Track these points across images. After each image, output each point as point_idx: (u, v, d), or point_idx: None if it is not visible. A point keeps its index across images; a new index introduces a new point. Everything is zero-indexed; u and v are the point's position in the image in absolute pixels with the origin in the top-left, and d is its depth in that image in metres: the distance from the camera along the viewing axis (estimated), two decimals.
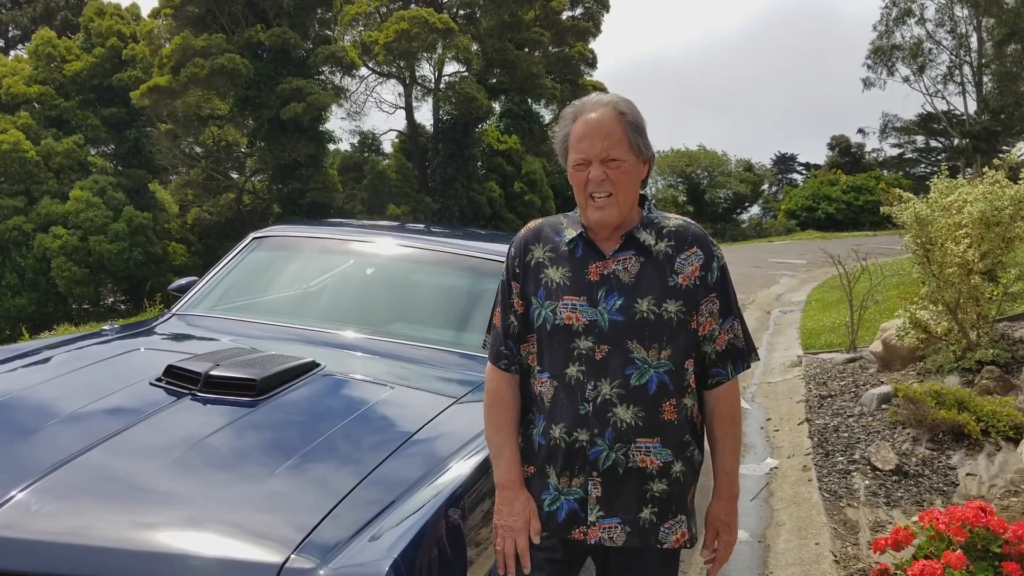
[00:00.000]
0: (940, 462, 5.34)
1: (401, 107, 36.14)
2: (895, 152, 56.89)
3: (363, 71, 33.87)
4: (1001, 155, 6.95)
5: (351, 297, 3.79)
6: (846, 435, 6.04)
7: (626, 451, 2.05)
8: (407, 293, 3.79)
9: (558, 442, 2.09)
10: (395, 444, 2.49)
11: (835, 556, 4.15)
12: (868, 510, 4.72)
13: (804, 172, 60.28)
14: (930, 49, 48.78)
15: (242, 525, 2.08)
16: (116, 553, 1.97)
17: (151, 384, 2.75)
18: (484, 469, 2.40)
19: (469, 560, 2.25)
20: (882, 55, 50.52)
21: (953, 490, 4.96)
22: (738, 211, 48.89)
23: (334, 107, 32.17)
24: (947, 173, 7.55)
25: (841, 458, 5.58)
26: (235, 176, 34.06)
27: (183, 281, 4.12)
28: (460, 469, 2.40)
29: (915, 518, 4.26)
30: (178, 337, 3.47)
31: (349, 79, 33.58)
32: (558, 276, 2.12)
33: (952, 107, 49.99)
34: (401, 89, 35.56)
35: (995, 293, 6.72)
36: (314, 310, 3.74)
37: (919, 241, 6.92)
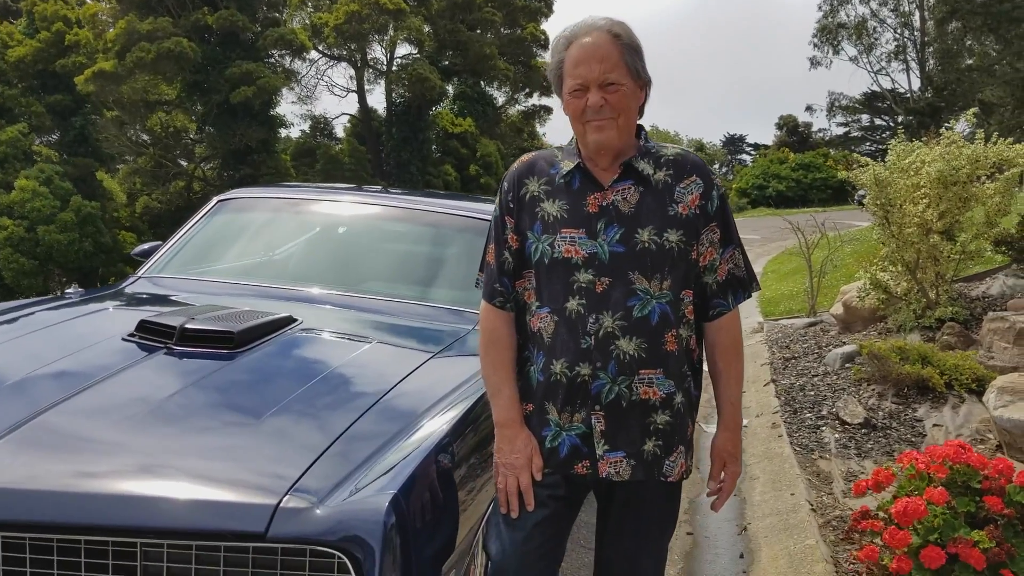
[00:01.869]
0: (907, 415, 5.43)
1: (353, 90, 35.80)
2: (841, 131, 57.91)
3: (313, 54, 33.52)
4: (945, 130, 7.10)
5: (322, 256, 3.70)
6: (812, 393, 6.12)
7: (629, 383, 2.01)
8: (378, 250, 3.72)
9: (559, 377, 2.04)
10: (380, 392, 2.43)
11: (811, 504, 4.19)
12: (840, 461, 4.78)
13: (753, 152, 60.94)
14: (874, 28, 49.60)
15: (233, 469, 2.02)
16: (108, 499, 1.90)
17: (123, 340, 2.66)
18: (471, 412, 2.36)
19: (460, 501, 2.21)
20: (828, 34, 51.19)
21: (921, 441, 5.04)
22: None
23: (284, 91, 31.78)
24: (903, 137, 7.64)
25: (809, 415, 5.65)
26: (184, 163, 33.44)
27: (146, 246, 4.01)
28: (448, 413, 2.35)
29: (894, 461, 4.32)
30: (147, 297, 3.37)
31: (299, 62, 33.22)
32: (555, 209, 2.07)
33: (897, 85, 50.95)
34: (352, 72, 35.23)
35: (953, 252, 6.83)
36: (285, 269, 3.65)
37: (879, 203, 7.01)
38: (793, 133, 58.33)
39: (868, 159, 7.53)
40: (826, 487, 4.47)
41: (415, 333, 3.13)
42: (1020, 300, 6.60)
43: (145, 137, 32.59)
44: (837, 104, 56.14)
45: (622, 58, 2.00)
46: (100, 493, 1.91)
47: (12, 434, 2.04)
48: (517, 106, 40.62)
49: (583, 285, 2.02)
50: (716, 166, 55.20)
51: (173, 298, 3.31)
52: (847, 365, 6.50)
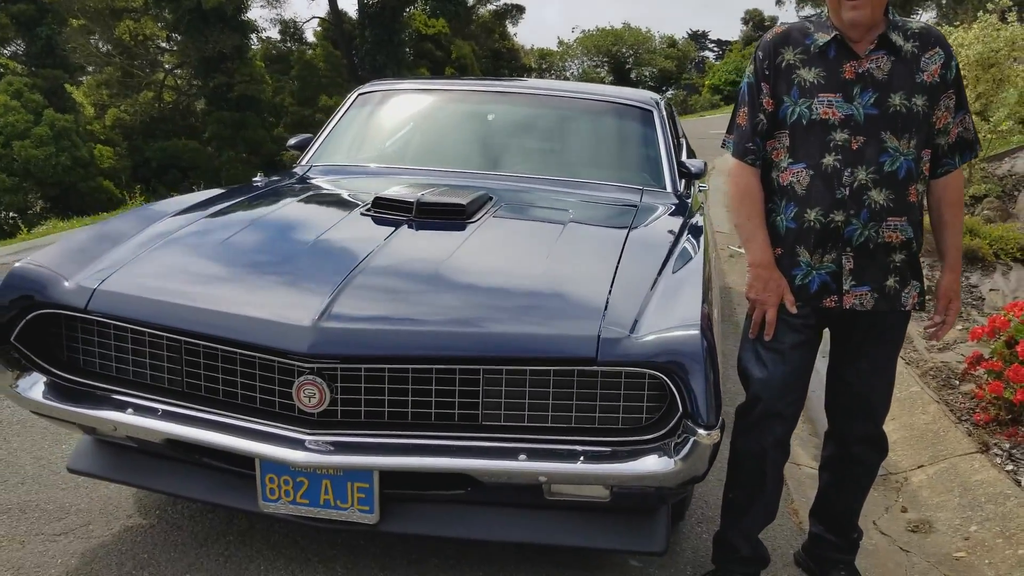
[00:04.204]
0: (961, 282, 5.86)
1: None
2: None
3: None
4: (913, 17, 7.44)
5: (476, 140, 3.95)
6: None
7: (878, 228, 2.34)
8: (527, 135, 3.98)
9: (812, 224, 2.36)
10: (616, 246, 2.74)
11: (904, 359, 4.62)
12: (913, 324, 5.21)
13: (716, 49, 60.59)
14: None
15: (547, 310, 2.33)
16: (457, 335, 2.21)
17: (362, 214, 2.92)
18: (704, 262, 2.70)
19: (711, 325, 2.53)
20: None
21: (982, 303, 5.49)
22: (664, 88, 49.24)
23: None
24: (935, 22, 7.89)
25: None
26: (151, 73, 32.60)
27: (298, 138, 4.21)
28: (687, 254, 2.71)
29: (962, 320, 4.75)
30: (338, 181, 3.61)
31: None
32: (811, 76, 2.35)
33: None
34: None
35: (988, 132, 7.19)
36: (443, 154, 3.87)
37: None
38: (759, 28, 57.96)
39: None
40: (909, 345, 4.90)
41: (599, 203, 3.41)
42: None
43: (107, 48, 31.64)
44: None
45: None
46: (449, 331, 2.23)
47: (345, 289, 2.32)
48: (488, 5, 39.98)
49: (839, 143, 2.32)
50: (689, 62, 54.90)
51: (359, 181, 3.56)
52: None
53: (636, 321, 2.27)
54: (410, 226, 2.83)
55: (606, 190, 3.55)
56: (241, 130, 30.13)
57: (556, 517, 2.37)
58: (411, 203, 2.89)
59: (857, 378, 2.53)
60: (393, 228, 2.78)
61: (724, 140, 2.54)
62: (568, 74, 48.35)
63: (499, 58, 40.90)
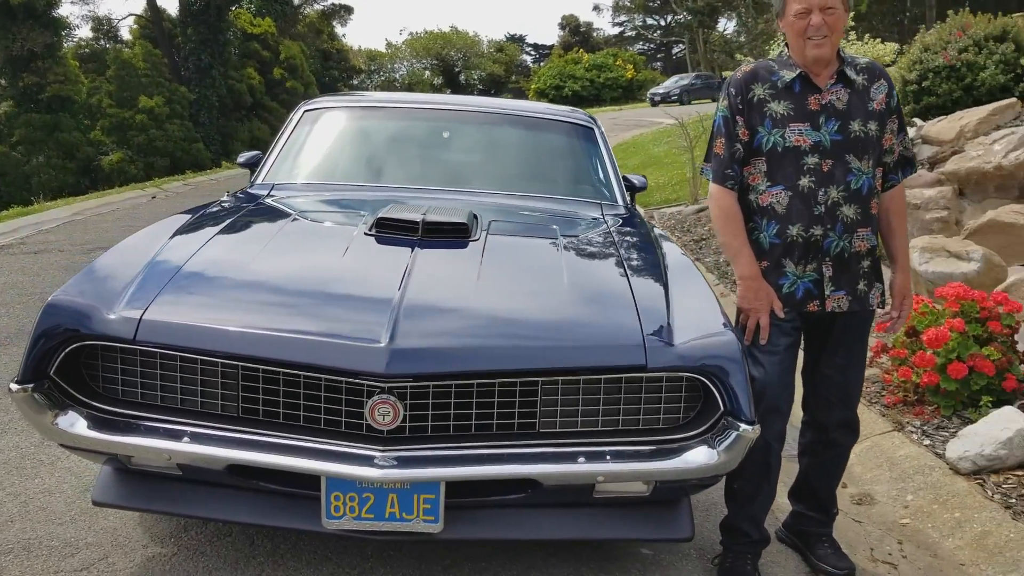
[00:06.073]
0: None
1: None
2: (616, 31, 60.62)
3: None
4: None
5: (434, 158, 4.04)
6: None
7: (850, 239, 2.68)
8: (487, 152, 4.11)
9: (795, 238, 2.67)
10: (617, 256, 2.97)
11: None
12: None
13: (534, 53, 62.23)
14: None
15: (587, 321, 2.50)
16: (519, 350, 2.35)
17: (367, 234, 2.98)
18: (689, 259, 2.98)
19: None
20: None
21: None
22: (492, 92, 50.03)
23: None
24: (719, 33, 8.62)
25: None
26: None
27: (244, 158, 4.17)
28: (677, 263, 2.99)
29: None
30: (316, 199, 3.62)
31: None
32: (781, 108, 2.67)
33: None
34: None
35: None
36: (406, 172, 3.95)
37: None
38: (575, 33, 60.04)
39: (750, 58, 8.48)
40: None
41: (571, 217, 3.58)
42: None
43: None
44: (620, 3, 58.44)
45: None
46: (513, 346, 2.39)
47: (401, 311, 2.40)
48: (316, 5, 39.32)
49: (811, 166, 2.66)
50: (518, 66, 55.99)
51: (335, 198, 3.61)
52: None
53: (670, 329, 2.50)
54: (421, 246, 2.90)
55: (568, 204, 3.76)
56: (54, 133, 28.30)
57: (598, 514, 2.56)
58: (417, 223, 2.98)
59: (835, 371, 2.86)
60: (408, 248, 2.84)
61: (703, 168, 2.83)
62: (397, 76, 48.25)
63: (328, 58, 40.31)
